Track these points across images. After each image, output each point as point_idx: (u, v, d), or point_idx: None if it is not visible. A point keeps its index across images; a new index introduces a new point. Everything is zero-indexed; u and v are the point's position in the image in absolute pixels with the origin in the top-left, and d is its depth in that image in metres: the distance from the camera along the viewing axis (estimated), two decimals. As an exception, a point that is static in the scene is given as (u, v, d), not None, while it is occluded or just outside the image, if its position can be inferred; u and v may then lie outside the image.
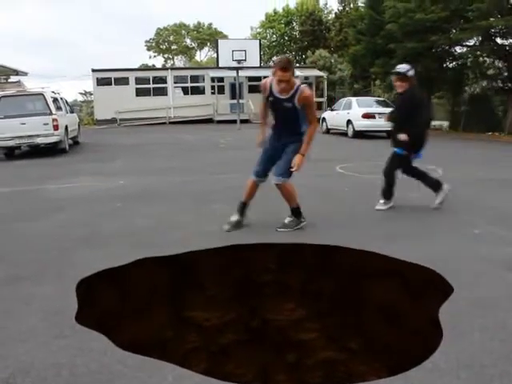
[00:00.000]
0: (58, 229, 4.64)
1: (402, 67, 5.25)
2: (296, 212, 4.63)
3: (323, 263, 4.09)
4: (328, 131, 18.25)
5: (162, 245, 4.11)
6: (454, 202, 5.57)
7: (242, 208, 4.70)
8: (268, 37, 43.43)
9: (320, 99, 29.73)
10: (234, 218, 4.64)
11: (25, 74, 26.52)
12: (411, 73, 5.20)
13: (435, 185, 5.47)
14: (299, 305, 4.25)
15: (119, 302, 3.64)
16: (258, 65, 20.39)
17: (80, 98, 46.51)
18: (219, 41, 19.54)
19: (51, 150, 12.00)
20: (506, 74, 19.97)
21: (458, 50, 21.08)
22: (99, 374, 2.17)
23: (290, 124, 4.56)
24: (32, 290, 3.12)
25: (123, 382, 2.11)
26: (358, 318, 4.00)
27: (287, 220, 4.61)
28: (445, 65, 21.76)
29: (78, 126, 15.08)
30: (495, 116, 20.75)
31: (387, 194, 5.44)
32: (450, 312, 2.71)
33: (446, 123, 24.10)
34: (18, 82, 12.57)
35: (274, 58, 4.66)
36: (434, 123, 24.90)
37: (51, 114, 11.40)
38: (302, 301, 4.22)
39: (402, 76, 5.16)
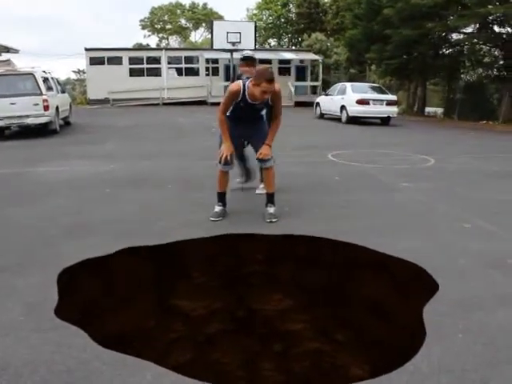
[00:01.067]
0: (44, 216, 4.57)
1: (249, 52, 5.22)
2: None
3: (310, 255, 4.06)
4: (322, 116, 18.17)
5: (147, 234, 4.07)
6: (446, 195, 5.56)
7: (223, 198, 4.74)
8: (264, 18, 42.94)
9: (315, 83, 29.58)
10: (218, 208, 4.63)
11: (16, 51, 26.10)
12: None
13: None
14: (286, 295, 4.24)
15: (102, 292, 3.61)
16: (253, 47, 20.12)
17: (73, 77, 45.98)
18: (214, 22, 19.29)
19: (42, 131, 11.85)
20: (501, 62, 19.90)
21: (455, 36, 20.95)
22: (77, 371, 2.14)
23: (256, 120, 4.62)
24: (12, 280, 3.07)
25: (101, 379, 2.09)
26: (345, 310, 3.99)
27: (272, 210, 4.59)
28: (441, 52, 21.64)
29: (70, 106, 14.88)
30: (490, 104, 20.74)
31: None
32: (433, 311, 2.70)
33: (440, 110, 24.07)
34: (8, 60, 12.27)
35: (259, 69, 4.43)
36: (429, 110, 24.90)
37: (41, 94, 11.22)
38: (289, 292, 4.21)
39: (251, 60, 5.08)
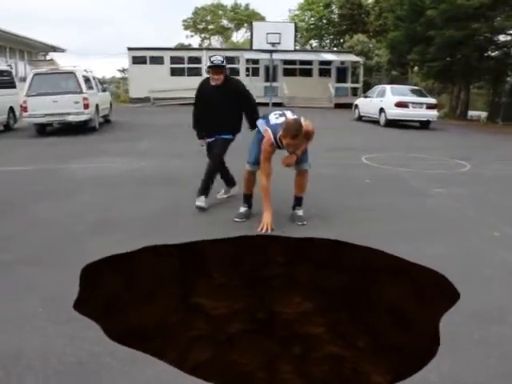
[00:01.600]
0: (71, 212, 4.70)
1: (218, 58, 4.84)
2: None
3: (331, 258, 4.02)
4: (360, 118, 17.94)
5: (172, 232, 4.12)
6: (478, 201, 5.40)
7: (249, 199, 4.73)
8: (306, 19, 42.71)
9: (355, 85, 29.27)
10: (243, 209, 4.65)
11: (63, 50, 26.96)
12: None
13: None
14: (306, 298, 4.21)
15: (125, 288, 3.68)
16: (293, 48, 20.09)
17: (118, 75, 47.03)
18: (254, 23, 19.35)
19: (82, 128, 12.17)
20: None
21: (502, 38, 20.30)
22: (87, 364, 2.19)
23: None
24: (35, 274, 3.17)
25: (110, 374, 2.13)
26: (364, 315, 3.94)
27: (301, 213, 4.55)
28: (486, 54, 20.99)
29: (110, 104, 15.23)
30: (537, 109, 19.99)
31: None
32: (451, 321, 2.63)
33: (484, 114, 23.39)
34: (51, 60, 12.69)
35: (288, 122, 4.22)
36: (472, 114, 24.23)
37: (82, 92, 11.54)
38: (309, 295, 4.18)
39: (219, 68, 4.77)
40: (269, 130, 4.34)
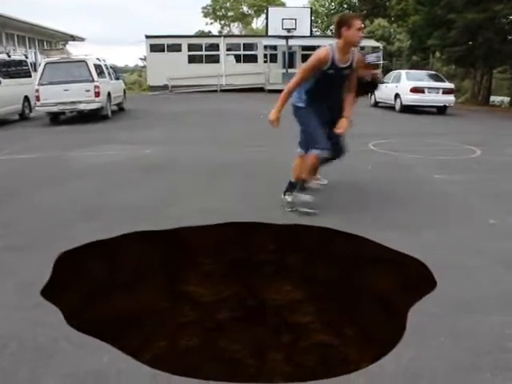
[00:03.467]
0: (66, 198, 4.74)
1: None
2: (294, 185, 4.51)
3: (318, 245, 3.97)
4: (376, 104, 17.66)
5: (162, 219, 4.11)
6: (481, 188, 5.25)
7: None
8: (326, 4, 42.15)
9: (375, 71, 28.75)
10: (310, 198, 4.38)
11: (82, 39, 27.21)
12: None
13: None
14: (296, 286, 4.17)
15: (108, 275, 3.69)
16: (309, 34, 19.87)
17: (140, 63, 47.29)
18: (269, 9, 19.19)
19: (94, 116, 12.27)
20: None
21: (525, 21, 19.67)
22: (43, 348, 2.20)
23: (339, 95, 4.36)
24: (15, 260, 3.20)
25: (63, 357, 2.13)
26: (353, 304, 3.88)
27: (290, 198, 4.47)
28: (509, 37, 20.37)
29: (124, 92, 15.30)
30: (562, 93, 19.36)
31: None
32: (422, 310, 2.56)
33: (507, 99, 22.78)
34: (62, 48, 12.80)
35: (342, 15, 4.22)
36: (495, 99, 23.63)
37: (93, 80, 11.62)
38: (299, 283, 4.14)
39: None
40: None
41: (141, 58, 46.43)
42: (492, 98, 23.19)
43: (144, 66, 44.78)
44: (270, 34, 19.32)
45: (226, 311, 4.26)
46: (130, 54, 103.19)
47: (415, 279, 3.11)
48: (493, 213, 4.34)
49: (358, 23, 3.95)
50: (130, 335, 3.68)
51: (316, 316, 4.14)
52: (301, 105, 4.40)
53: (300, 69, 4.22)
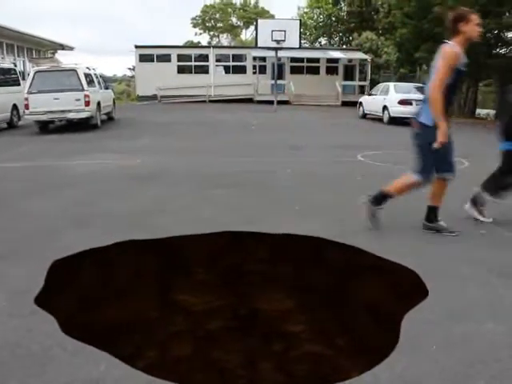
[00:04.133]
0: (57, 207, 4.71)
1: None
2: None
3: (312, 256, 3.99)
4: (364, 116, 17.84)
5: (153, 228, 4.10)
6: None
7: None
8: (315, 17, 42.53)
9: (363, 83, 29.08)
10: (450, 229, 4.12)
11: (71, 48, 27.14)
12: None
13: None
14: (287, 296, 4.18)
15: (100, 284, 3.67)
16: (298, 46, 20.01)
17: (129, 73, 47.30)
18: (259, 21, 19.28)
19: (84, 126, 12.22)
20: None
21: (510, 35, 20.06)
22: (37, 355, 2.18)
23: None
24: (6, 269, 3.17)
25: (57, 365, 2.12)
26: (345, 313, 3.90)
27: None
28: (494, 51, 20.75)
29: (113, 102, 15.29)
30: (545, 107, 19.67)
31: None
32: (416, 319, 2.58)
33: (492, 112, 23.12)
34: (52, 57, 12.77)
35: (457, 11, 3.77)
36: (481, 112, 23.98)
37: (83, 89, 11.60)
38: (290, 292, 4.15)
39: None
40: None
41: (129, 68, 46.47)
42: (478, 111, 23.53)
43: (132, 76, 44.79)
44: (259, 45, 19.42)
45: (217, 321, 4.25)
46: (119, 64, 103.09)
47: (407, 288, 3.14)
48: (482, 223, 4.40)
49: (475, 18, 3.80)
50: (122, 344, 3.66)
51: (307, 325, 4.15)
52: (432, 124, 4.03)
53: (437, 72, 3.82)
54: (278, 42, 18.85)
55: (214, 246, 4.18)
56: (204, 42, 47.85)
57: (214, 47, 31.84)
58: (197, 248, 4.13)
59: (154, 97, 27.15)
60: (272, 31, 18.60)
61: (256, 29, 19.55)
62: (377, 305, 3.49)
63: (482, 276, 3.19)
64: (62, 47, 25.69)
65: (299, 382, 4.23)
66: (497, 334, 2.44)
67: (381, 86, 17.24)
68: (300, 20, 20.04)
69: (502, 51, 20.89)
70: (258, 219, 4.43)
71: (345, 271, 3.72)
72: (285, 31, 18.81)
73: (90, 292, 3.57)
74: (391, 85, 16.33)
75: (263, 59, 28.15)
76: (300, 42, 20.60)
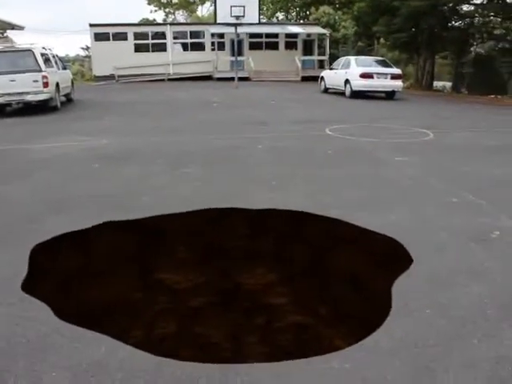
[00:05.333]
0: (30, 191, 4.57)
1: None
2: None
3: (292, 229, 4.03)
4: (326, 90, 17.93)
5: (132, 208, 4.04)
6: (439, 169, 5.46)
7: None
8: (272, -8, 42.08)
9: (322, 57, 29.14)
10: None
11: (21, 28, 25.95)
12: None
13: None
14: (269, 269, 4.22)
15: (83, 266, 3.61)
16: (257, 21, 19.82)
17: (82, 53, 45.82)
18: (218, -5, 18.91)
19: (42, 108, 11.80)
20: (512, 34, 19.41)
21: (465, 8, 20.45)
22: (36, 343, 2.14)
23: None
24: (-14, 255, 3.07)
25: (59, 350, 2.08)
26: (326, 284, 3.98)
27: None
28: (450, 24, 21.13)
29: (72, 82, 14.80)
30: (499, 78, 20.29)
31: None
32: (404, 286, 2.66)
33: (448, 84, 23.66)
34: (6, 37, 12.21)
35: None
36: (438, 84, 24.48)
37: (40, 70, 11.16)
38: (272, 266, 4.19)
39: None
40: None
41: (83, 48, 45.02)
42: (435, 83, 24.01)
43: (86, 56, 43.44)
44: (218, 21, 19.11)
45: (201, 297, 4.27)
46: (71, 44, 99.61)
47: (391, 257, 3.22)
48: (453, 191, 4.54)
49: None
50: (107, 325, 3.63)
51: (290, 297, 4.22)
52: None
53: None
54: (237, 17, 18.60)
55: (196, 224, 4.16)
56: (159, 20, 46.78)
57: (172, 24, 31.16)
58: (178, 226, 4.10)
59: (112, 76, 26.45)
60: (231, 7, 18.33)
61: (215, 5, 19.20)
62: (361, 274, 3.57)
63: (458, 242, 3.30)
64: (12, 27, 24.56)
65: (283, 352, 4.32)
66: (481, 297, 2.54)
67: (342, 60, 17.32)
68: (259, -5, 19.79)
69: (458, 24, 21.25)
70: (236, 195, 4.43)
71: (329, 243, 3.77)
72: (244, 7, 18.56)
73: (72, 276, 3.51)
74: (352, 59, 16.42)
75: (221, 36, 27.78)
76: (259, 18, 20.39)
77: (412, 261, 2.97)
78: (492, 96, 18.50)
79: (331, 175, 5.16)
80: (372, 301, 3.31)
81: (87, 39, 28.39)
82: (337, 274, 3.83)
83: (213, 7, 44.82)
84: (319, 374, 1.90)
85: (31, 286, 2.74)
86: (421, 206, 4.11)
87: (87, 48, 43.84)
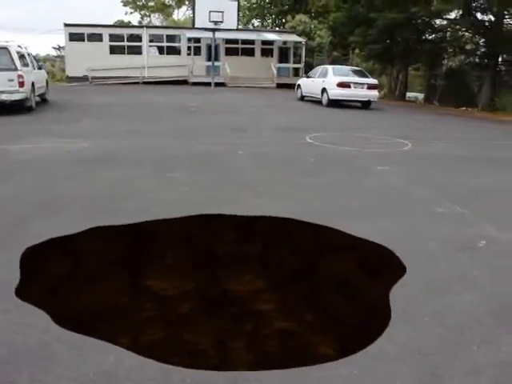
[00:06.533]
0: (14, 194, 4.47)
1: None
2: None
3: (281, 236, 4.05)
4: (302, 98, 18.11)
5: (119, 213, 4.00)
6: (420, 179, 5.58)
7: None
8: (249, -2, 42.33)
9: (297, 65, 29.43)
10: None
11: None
12: None
13: None
14: (257, 276, 4.24)
15: (71, 272, 3.56)
16: (235, 27, 19.91)
17: (53, 53, 45.08)
18: (196, 0, 18.92)
19: (17, 108, 11.54)
20: (483, 49, 20.00)
21: (438, 22, 20.98)
22: (38, 351, 2.09)
23: None
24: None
25: (64, 359, 2.04)
26: (315, 291, 4.01)
27: None
28: (424, 37, 21.65)
29: (47, 82, 14.54)
30: (470, 91, 20.88)
31: None
32: (400, 294, 2.70)
33: (421, 95, 24.18)
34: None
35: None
36: (410, 95, 25.01)
37: (16, 69, 10.92)
38: (260, 272, 4.21)
39: None
40: None
41: (54, 48, 44.34)
42: (407, 94, 24.53)
43: (58, 56, 42.77)
44: (197, 25, 19.14)
45: (188, 304, 4.25)
46: (42, 43, 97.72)
47: (383, 265, 3.27)
48: (436, 201, 4.64)
49: None
50: (94, 331, 3.58)
51: (278, 304, 4.24)
52: None
53: None
54: (215, 23, 18.63)
55: (184, 230, 4.14)
56: (135, 22, 46.40)
57: (148, 27, 30.94)
58: (167, 232, 4.08)
59: (85, 78, 26.11)
60: (210, 12, 18.35)
61: (193, 9, 19.19)
62: (353, 281, 3.62)
63: (447, 251, 3.38)
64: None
65: (270, 358, 4.33)
66: (474, 304, 2.62)
67: (319, 68, 17.51)
68: (238, 1, 19.80)
69: (431, 37, 21.78)
70: (223, 200, 4.43)
71: (320, 250, 3.81)
72: (223, 12, 18.63)
73: (61, 281, 3.45)
74: (330, 68, 16.64)
75: (198, 40, 27.76)
76: (238, 24, 20.48)
77: (405, 269, 3.03)
78: (463, 108, 18.99)
79: (316, 183, 5.21)
80: (365, 308, 3.35)
81: (58, 39, 27.86)
82: (326, 282, 3.87)
83: (189, 11, 44.79)
84: (330, 380, 1.92)
85: (25, 291, 2.68)
86: (407, 215, 4.19)
87: (59, 48, 43.20)
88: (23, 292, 2.67)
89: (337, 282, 3.80)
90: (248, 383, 1.88)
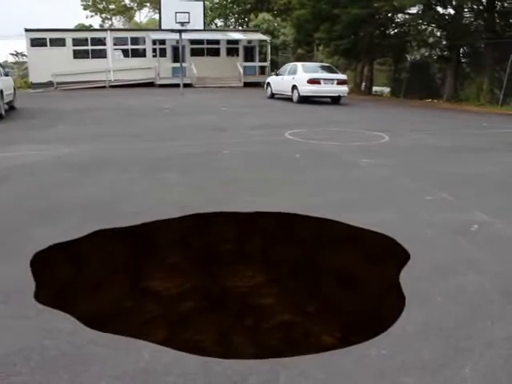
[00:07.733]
0: (8, 202, 4.41)
1: None
2: None
3: (280, 230, 4.13)
4: (273, 96, 18.25)
5: (117, 216, 4.00)
6: (405, 169, 5.75)
7: None
8: (211, -2, 42.24)
9: (263, 63, 29.58)
10: None
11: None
12: None
13: None
14: (258, 271, 4.30)
15: (75, 276, 3.55)
16: (202, 28, 19.88)
17: (11, 59, 43.94)
18: (162, 1, 18.79)
19: (-15, 116, 11.31)
20: (444, 42, 20.53)
21: (401, 17, 21.44)
22: (72, 355, 2.11)
23: None
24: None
25: (100, 360, 2.07)
26: (317, 283, 4.10)
27: None
28: (387, 32, 22.08)
29: (14, 90, 14.23)
30: (434, 83, 21.41)
31: None
32: (408, 278, 2.82)
33: (386, 89, 24.63)
34: None
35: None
36: (375, 89, 25.45)
37: (-17, 77, 10.69)
38: (261, 267, 4.27)
39: None
40: None
41: (12, 54, 43.28)
42: (373, 88, 24.96)
43: (16, 62, 41.74)
44: (163, 27, 18.98)
45: (190, 302, 4.29)
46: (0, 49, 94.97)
47: (387, 252, 3.39)
48: (424, 190, 4.80)
49: None
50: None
51: (279, 297, 4.32)
52: None
53: None
54: (182, 24, 18.56)
55: (184, 230, 4.17)
56: (96, 25, 45.70)
57: (112, 30, 30.52)
58: (167, 233, 4.10)
59: (50, 83, 25.65)
60: (176, 13, 18.27)
61: (159, 11, 19.05)
62: (351, 271, 3.72)
63: (445, 236, 3.52)
64: None
65: (273, 351, 4.40)
66: (482, 282, 2.75)
67: (288, 66, 17.68)
68: (203, 1, 19.76)
69: (395, 32, 22.23)
70: (221, 200, 4.47)
71: (324, 242, 3.90)
72: (188, 13, 18.56)
73: (75, 284, 3.47)
74: (299, 65, 16.81)
75: (163, 42, 27.59)
76: (204, 24, 20.45)
77: (409, 255, 3.15)
78: (429, 100, 19.46)
79: (305, 178, 5.30)
80: (376, 294, 3.46)
81: (17, 45, 27.25)
82: (329, 273, 3.96)
83: (152, 13, 44.34)
84: (361, 360, 2.01)
85: (44, 297, 2.68)
86: (401, 204, 4.33)
87: (17, 54, 42.21)
88: (42, 297, 2.68)
89: (341, 272, 3.90)
90: (287, 370, 1.95)
